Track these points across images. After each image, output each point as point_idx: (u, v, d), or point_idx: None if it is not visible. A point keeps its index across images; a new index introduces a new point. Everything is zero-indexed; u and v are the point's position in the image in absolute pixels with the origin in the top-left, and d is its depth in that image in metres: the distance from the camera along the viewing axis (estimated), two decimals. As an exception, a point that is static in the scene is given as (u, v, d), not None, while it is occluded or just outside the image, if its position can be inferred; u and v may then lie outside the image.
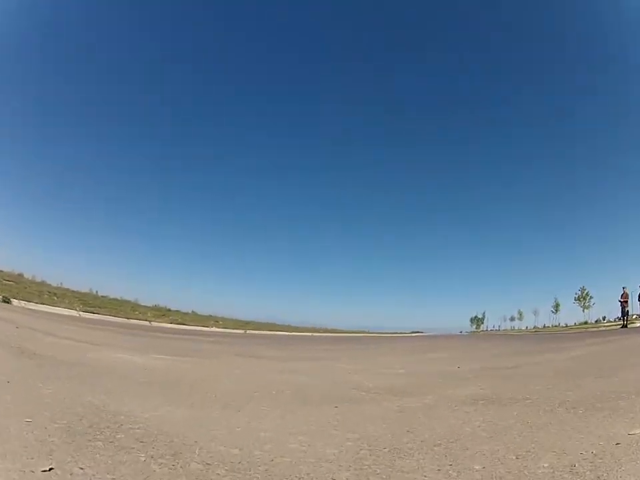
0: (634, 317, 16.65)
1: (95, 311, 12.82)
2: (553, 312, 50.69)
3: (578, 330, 19.48)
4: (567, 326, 36.33)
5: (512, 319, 68.93)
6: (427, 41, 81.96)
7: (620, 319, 18.06)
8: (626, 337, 8.63)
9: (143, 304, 18.94)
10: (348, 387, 3.54)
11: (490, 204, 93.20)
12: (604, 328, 17.63)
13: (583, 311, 40.38)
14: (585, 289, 42.00)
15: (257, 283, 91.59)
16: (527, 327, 53.99)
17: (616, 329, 13.67)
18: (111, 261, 62.30)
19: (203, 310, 22.95)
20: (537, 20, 71.41)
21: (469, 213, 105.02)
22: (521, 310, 65.96)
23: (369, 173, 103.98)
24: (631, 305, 15.61)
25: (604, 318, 38.67)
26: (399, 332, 38.72)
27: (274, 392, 3.28)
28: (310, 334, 19.99)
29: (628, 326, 14.48)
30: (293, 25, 77.75)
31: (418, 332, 45.88)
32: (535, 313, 59.59)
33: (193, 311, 22.19)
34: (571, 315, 72.01)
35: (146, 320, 14.09)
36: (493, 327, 75.79)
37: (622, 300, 15.44)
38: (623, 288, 15.75)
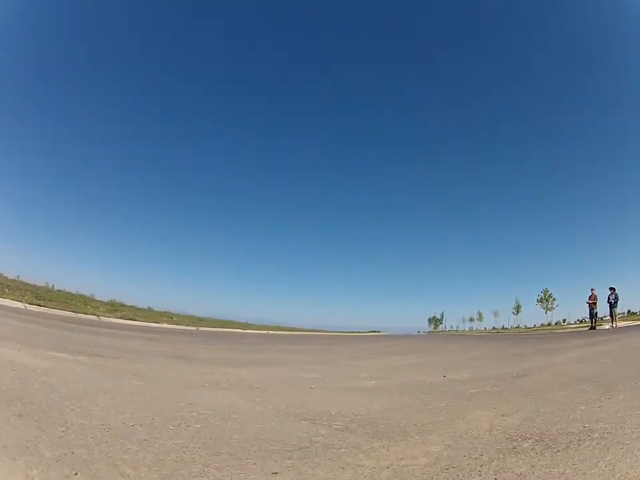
0: (597, 319, 16.45)
1: (42, 304, 11.95)
2: (514, 313, 51.58)
3: (543, 331, 19.24)
4: (527, 327, 36.88)
5: (471, 320, 69.90)
6: (427, 40, 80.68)
7: (584, 320, 18.02)
8: (612, 337, 7.94)
9: (98, 299, 17.84)
10: (299, 417, 2.23)
11: (486, 204, 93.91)
12: (572, 329, 17.42)
13: (546, 312, 41.09)
14: (548, 291, 42.74)
15: (249, 283, 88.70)
16: (485, 328, 54.65)
17: (586, 331, 13.28)
18: (108, 262, 59.06)
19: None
20: (537, 20, 72.51)
21: (469, 213, 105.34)
22: (481, 311, 67.05)
23: (368, 173, 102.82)
24: (599, 307, 15.39)
25: (564, 320, 39.63)
26: (355, 331, 37.73)
27: (172, 426, 1.94)
28: (265, 332, 18.53)
29: (596, 328, 14.19)
30: (293, 25, 74.63)
31: (375, 331, 45.14)
32: (496, 314, 60.65)
33: (149, 307, 20.90)
34: (531, 316, 75.00)
35: (94, 314, 13.09)
36: (452, 327, 76.63)
37: (590, 302, 15.15)
38: (592, 290, 15.49)
